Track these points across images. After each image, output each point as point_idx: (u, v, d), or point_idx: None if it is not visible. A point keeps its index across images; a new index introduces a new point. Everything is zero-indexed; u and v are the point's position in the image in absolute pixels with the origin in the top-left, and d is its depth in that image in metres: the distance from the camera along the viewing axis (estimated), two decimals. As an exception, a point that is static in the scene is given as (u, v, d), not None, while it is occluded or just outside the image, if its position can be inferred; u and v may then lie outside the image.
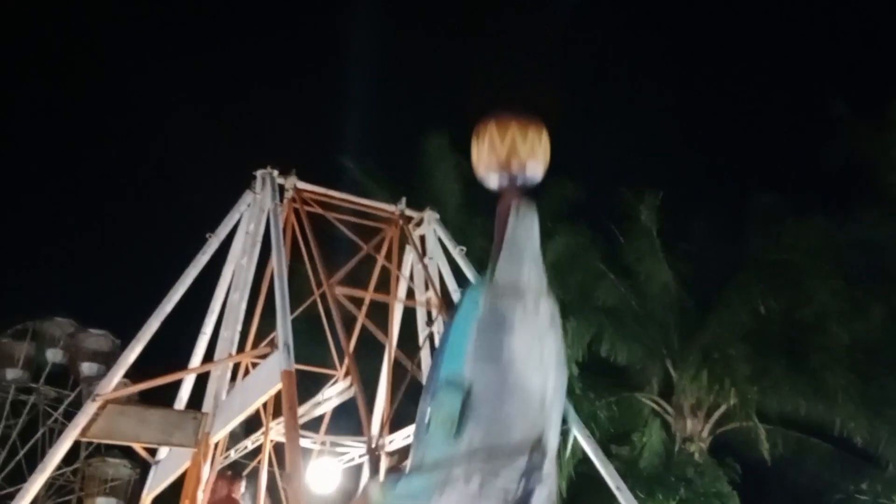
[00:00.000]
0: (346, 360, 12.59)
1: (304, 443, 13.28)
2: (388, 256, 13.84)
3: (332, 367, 13.73)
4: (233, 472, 12.54)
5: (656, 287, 20.08)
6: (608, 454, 11.80)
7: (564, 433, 8.59)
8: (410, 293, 14.14)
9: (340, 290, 12.20)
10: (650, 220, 20.20)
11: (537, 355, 8.71)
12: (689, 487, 17.66)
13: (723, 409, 19.94)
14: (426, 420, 8.89)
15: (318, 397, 11.78)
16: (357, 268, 13.35)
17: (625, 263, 20.52)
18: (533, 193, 8.59)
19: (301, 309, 11.82)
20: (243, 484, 11.04)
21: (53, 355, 29.47)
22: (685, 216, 20.92)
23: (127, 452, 24.85)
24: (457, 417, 8.54)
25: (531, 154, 8.43)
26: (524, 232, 8.76)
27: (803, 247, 18.85)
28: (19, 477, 25.57)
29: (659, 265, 20.09)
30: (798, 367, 18.58)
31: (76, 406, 26.96)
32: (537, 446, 8.57)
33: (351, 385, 12.33)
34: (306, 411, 11.56)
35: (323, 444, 13.48)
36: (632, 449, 19.49)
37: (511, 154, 8.43)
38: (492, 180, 9.67)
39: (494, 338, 8.79)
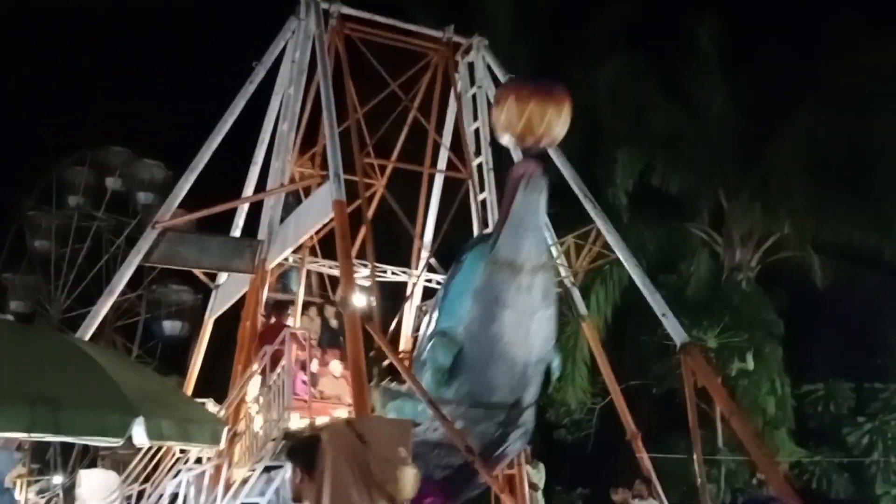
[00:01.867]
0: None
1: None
2: (433, 86, 13.63)
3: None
4: (278, 302, 13.09)
5: (714, 114, 19.46)
6: (655, 283, 11.90)
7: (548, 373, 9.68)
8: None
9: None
10: (711, 45, 19.29)
11: (524, 332, 9.17)
12: (734, 315, 17.87)
13: (774, 238, 19.81)
14: (423, 356, 9.81)
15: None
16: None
17: (682, 90, 19.82)
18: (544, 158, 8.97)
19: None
20: (290, 313, 11.52)
21: (112, 183, 30.27)
22: (750, 41, 19.88)
23: (187, 279, 25.96)
24: (447, 369, 9.13)
25: (547, 131, 8.51)
26: (529, 207, 9.23)
27: (876, 70, 17.88)
28: (87, 300, 27.07)
29: (718, 92, 19.37)
30: (856, 197, 18.18)
31: (137, 233, 28.01)
32: (515, 406, 9.41)
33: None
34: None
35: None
36: (679, 278, 19.63)
37: (526, 131, 8.49)
38: (507, 142, 9.78)
39: (488, 311, 9.79)
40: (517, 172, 8.98)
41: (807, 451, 18.27)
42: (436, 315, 10.21)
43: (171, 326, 29.70)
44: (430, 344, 9.76)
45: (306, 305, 13.31)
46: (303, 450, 4.17)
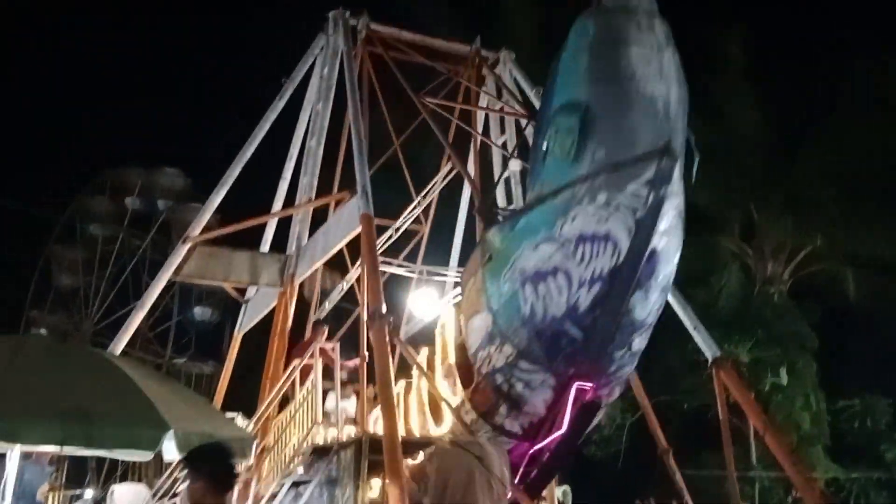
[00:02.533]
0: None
1: (402, 271, 13.72)
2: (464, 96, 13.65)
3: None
4: (316, 320, 13.08)
5: (744, 127, 19.30)
6: (685, 296, 11.76)
7: (689, 154, 7.71)
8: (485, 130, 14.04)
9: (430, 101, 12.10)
10: (739, 59, 19.16)
11: (656, 66, 7.63)
12: (766, 329, 17.66)
13: (806, 251, 19.57)
14: (541, 153, 8.29)
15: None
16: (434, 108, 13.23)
17: (711, 103, 19.69)
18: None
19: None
20: (325, 330, 11.50)
21: (132, 203, 30.73)
22: (779, 54, 19.74)
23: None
24: (576, 138, 7.51)
25: None
26: None
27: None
28: (112, 314, 27.64)
29: (747, 104, 19.23)
30: (889, 209, 17.91)
31: (161, 245, 28.39)
32: (666, 151, 7.36)
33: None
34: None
35: (420, 273, 13.83)
36: (710, 291, 19.44)
37: None
38: None
39: (611, 53, 7.63)
40: None
41: (843, 468, 17.94)
42: (547, 110, 8.35)
43: (201, 313, 30.20)
44: (549, 129, 8.08)
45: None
46: (206, 459, 4.26)
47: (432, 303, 13.14)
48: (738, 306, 18.96)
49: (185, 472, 4.36)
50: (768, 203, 19.53)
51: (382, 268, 12.24)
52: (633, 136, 7.43)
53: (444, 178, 14.21)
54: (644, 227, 7.14)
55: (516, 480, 7.67)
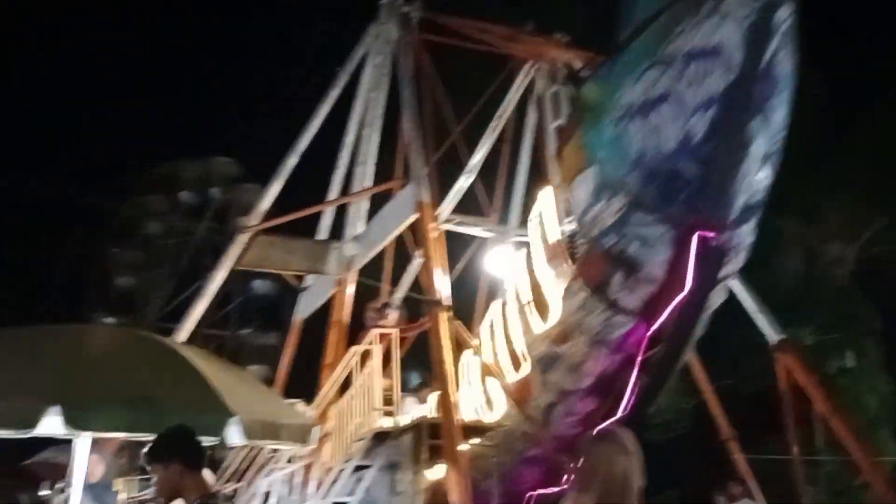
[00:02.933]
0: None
1: (476, 231, 13.27)
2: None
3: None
4: (381, 304, 13.15)
5: (806, 103, 18.77)
6: (747, 279, 11.55)
7: None
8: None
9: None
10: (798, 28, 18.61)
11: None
12: (831, 311, 17.26)
13: (871, 231, 19.03)
14: None
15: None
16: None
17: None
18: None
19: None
20: (390, 313, 11.59)
21: (186, 196, 31.29)
22: (836, 24, 19.12)
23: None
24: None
25: None
26: None
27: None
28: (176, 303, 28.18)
29: (810, 79, 18.69)
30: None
31: (216, 229, 28.90)
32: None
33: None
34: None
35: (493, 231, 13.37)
36: (771, 274, 19.03)
37: None
38: None
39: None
40: None
41: (912, 453, 17.45)
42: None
43: (262, 285, 30.70)
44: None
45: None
46: (175, 442, 4.31)
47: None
48: (801, 288, 18.54)
49: (153, 465, 4.34)
50: (833, 183, 19.02)
51: (454, 228, 11.89)
52: None
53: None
54: (758, 35, 6.29)
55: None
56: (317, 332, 14.00)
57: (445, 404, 8.16)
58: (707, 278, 6.74)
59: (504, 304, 9.93)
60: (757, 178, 6.82)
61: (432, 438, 8.55)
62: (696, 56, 6.36)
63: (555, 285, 8.33)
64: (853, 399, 16.68)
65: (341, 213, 13.52)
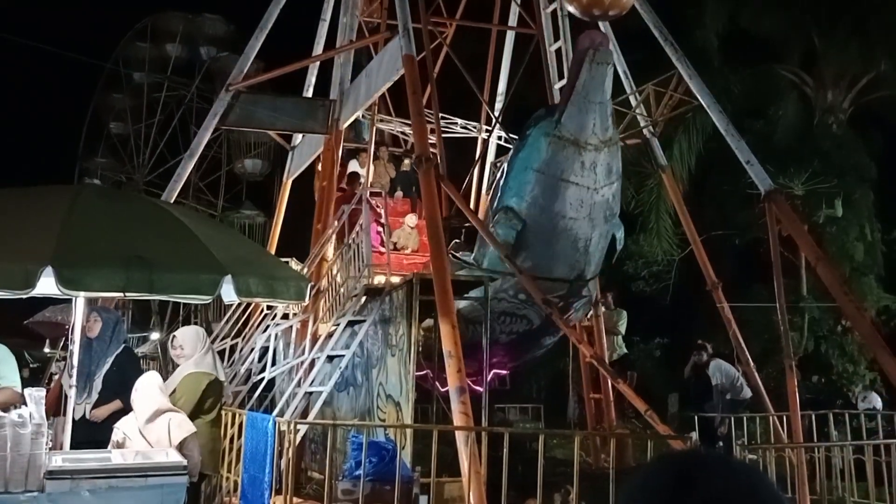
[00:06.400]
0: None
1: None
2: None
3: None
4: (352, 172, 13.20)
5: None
6: (741, 129, 11.39)
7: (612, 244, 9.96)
8: None
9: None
10: None
11: (587, 209, 9.28)
12: (824, 160, 17.14)
13: (868, 77, 18.64)
14: (492, 217, 9.99)
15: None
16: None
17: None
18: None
19: None
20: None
21: (174, 49, 30.38)
22: None
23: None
24: (511, 244, 9.29)
25: (614, 4, 8.34)
26: (595, 80, 9.00)
27: None
28: (163, 164, 28.14)
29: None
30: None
31: (206, 94, 28.35)
32: (577, 279, 9.76)
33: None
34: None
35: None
36: (766, 123, 18.79)
37: (593, 1, 8.36)
38: (573, 11, 9.41)
39: (551, 187, 9.21)
40: (583, 44, 8.82)
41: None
42: (501, 191, 10.20)
43: (252, 165, 30.68)
44: (494, 219, 9.89)
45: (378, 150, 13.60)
46: None
47: None
48: (795, 138, 18.35)
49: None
50: (833, 29, 18.46)
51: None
52: (554, 262, 9.67)
53: None
54: (548, 324, 9.67)
55: None
56: (308, 191, 13.99)
57: (437, 259, 8.23)
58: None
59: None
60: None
61: (425, 294, 8.67)
62: (509, 314, 10.41)
63: None
64: (840, 247, 16.90)
65: (328, 72, 13.16)
